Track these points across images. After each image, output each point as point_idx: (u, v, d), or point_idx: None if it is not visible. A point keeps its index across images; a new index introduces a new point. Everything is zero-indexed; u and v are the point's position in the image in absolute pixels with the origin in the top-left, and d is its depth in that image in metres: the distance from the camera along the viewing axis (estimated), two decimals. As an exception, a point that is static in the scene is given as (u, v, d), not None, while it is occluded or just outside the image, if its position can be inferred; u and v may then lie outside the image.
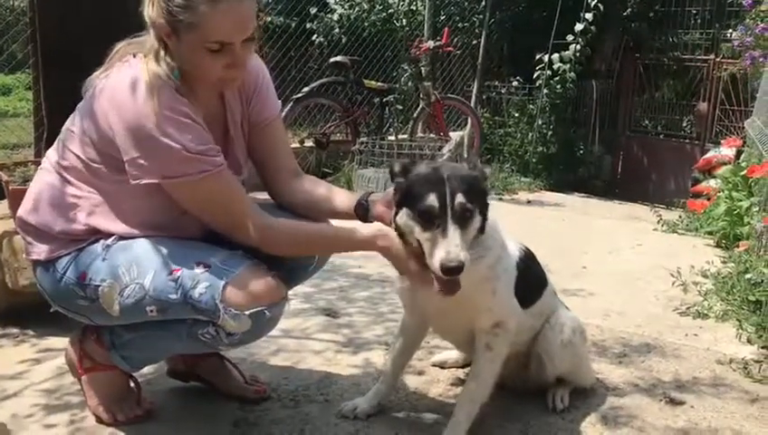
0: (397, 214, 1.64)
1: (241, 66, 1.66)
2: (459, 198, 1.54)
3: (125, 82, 1.60)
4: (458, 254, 1.49)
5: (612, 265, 3.73)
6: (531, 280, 1.88)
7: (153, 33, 1.63)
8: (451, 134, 6.27)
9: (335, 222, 1.88)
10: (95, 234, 1.69)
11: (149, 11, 1.61)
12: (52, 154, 1.77)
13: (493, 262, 1.72)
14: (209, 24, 1.55)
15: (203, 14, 1.53)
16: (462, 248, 1.51)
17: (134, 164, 1.60)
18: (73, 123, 1.72)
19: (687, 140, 7.93)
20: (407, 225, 1.60)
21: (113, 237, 1.68)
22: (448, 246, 1.50)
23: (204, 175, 1.61)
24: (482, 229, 1.64)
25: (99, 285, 1.65)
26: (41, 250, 1.72)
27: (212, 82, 1.68)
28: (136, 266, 1.64)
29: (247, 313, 1.60)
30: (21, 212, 1.76)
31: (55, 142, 1.77)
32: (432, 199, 1.54)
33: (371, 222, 1.86)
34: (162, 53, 1.62)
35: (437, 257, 1.51)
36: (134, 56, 1.67)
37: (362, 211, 1.83)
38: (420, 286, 1.69)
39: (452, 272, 1.50)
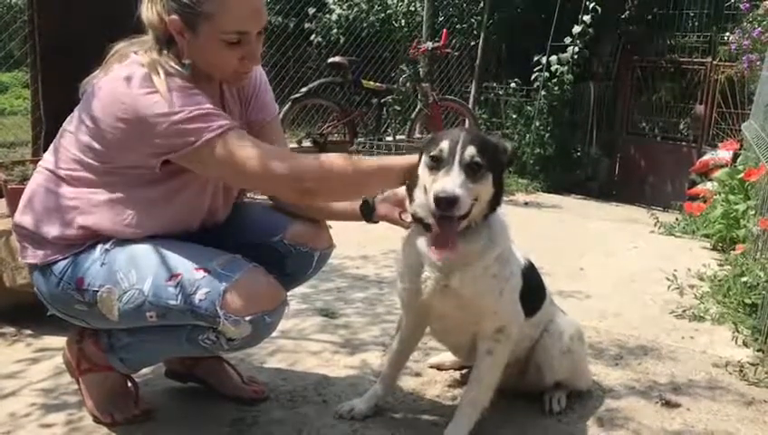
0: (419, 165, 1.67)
1: (255, 59, 1.66)
2: (470, 150, 1.57)
3: (129, 75, 1.57)
4: (454, 189, 1.50)
5: (609, 268, 3.73)
6: (533, 291, 1.88)
7: (152, 34, 1.63)
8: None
9: (336, 224, 1.87)
10: (92, 238, 1.67)
11: (149, 13, 1.61)
12: (48, 157, 1.73)
13: (499, 255, 1.71)
14: (229, 12, 1.55)
15: (222, 2, 1.54)
16: (461, 187, 1.51)
17: (152, 145, 1.56)
18: (71, 124, 1.69)
19: (684, 143, 7.95)
20: (421, 172, 1.63)
21: (111, 241, 1.66)
22: (446, 182, 1.52)
23: (223, 129, 1.56)
24: (494, 203, 1.66)
25: (97, 291, 1.63)
26: (36, 254, 1.69)
27: (226, 76, 1.68)
28: (135, 271, 1.62)
29: (248, 318, 1.58)
30: (16, 216, 1.74)
31: (51, 145, 1.74)
32: (444, 145, 1.58)
33: (376, 222, 1.87)
34: (165, 50, 1.62)
35: (433, 190, 1.52)
36: (135, 53, 1.65)
37: (366, 209, 1.82)
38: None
39: (442, 203, 1.49)
